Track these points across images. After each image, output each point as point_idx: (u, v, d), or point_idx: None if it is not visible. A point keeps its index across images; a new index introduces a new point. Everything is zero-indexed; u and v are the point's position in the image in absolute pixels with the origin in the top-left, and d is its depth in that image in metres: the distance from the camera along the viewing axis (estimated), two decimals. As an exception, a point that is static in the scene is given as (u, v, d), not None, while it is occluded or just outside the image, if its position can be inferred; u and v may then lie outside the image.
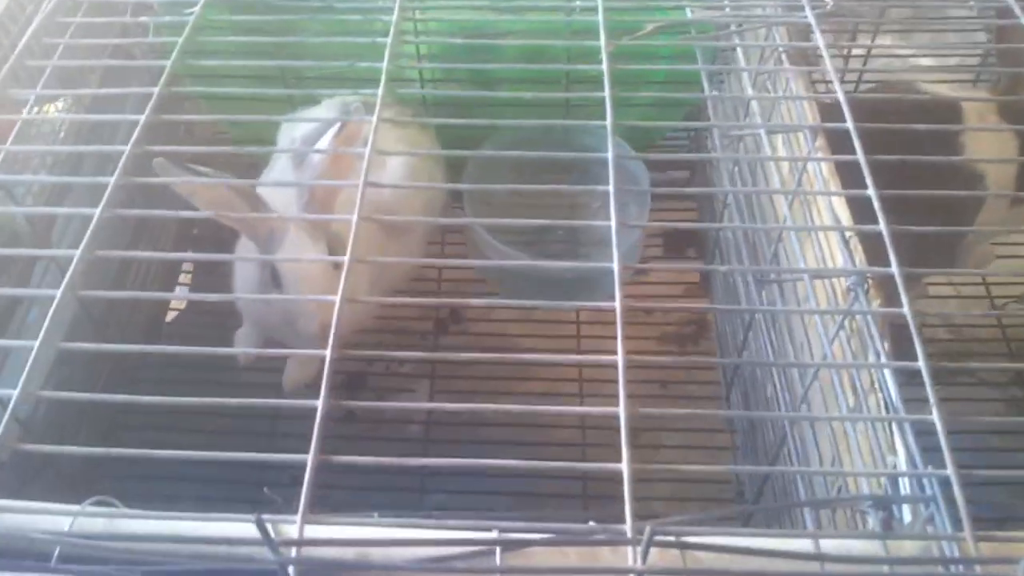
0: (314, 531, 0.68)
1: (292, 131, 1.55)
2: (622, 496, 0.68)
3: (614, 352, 0.78)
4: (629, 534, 0.66)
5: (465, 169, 1.62)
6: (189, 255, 1.73)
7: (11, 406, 0.74)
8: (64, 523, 0.71)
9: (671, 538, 0.65)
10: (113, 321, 1.53)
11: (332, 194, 1.29)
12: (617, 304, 0.83)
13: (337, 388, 1.67)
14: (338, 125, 1.20)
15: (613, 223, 0.87)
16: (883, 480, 0.82)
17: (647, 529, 0.60)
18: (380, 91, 1.03)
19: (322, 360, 0.79)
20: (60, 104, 1.60)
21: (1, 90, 1.03)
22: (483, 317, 1.81)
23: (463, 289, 1.82)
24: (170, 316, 1.79)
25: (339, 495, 0.88)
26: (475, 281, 1.83)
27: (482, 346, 1.74)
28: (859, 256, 0.96)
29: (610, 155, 0.94)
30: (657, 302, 1.86)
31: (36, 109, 1.17)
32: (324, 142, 1.27)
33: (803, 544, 0.70)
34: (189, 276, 1.85)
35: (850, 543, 0.70)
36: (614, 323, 0.80)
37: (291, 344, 1.51)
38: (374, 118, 0.99)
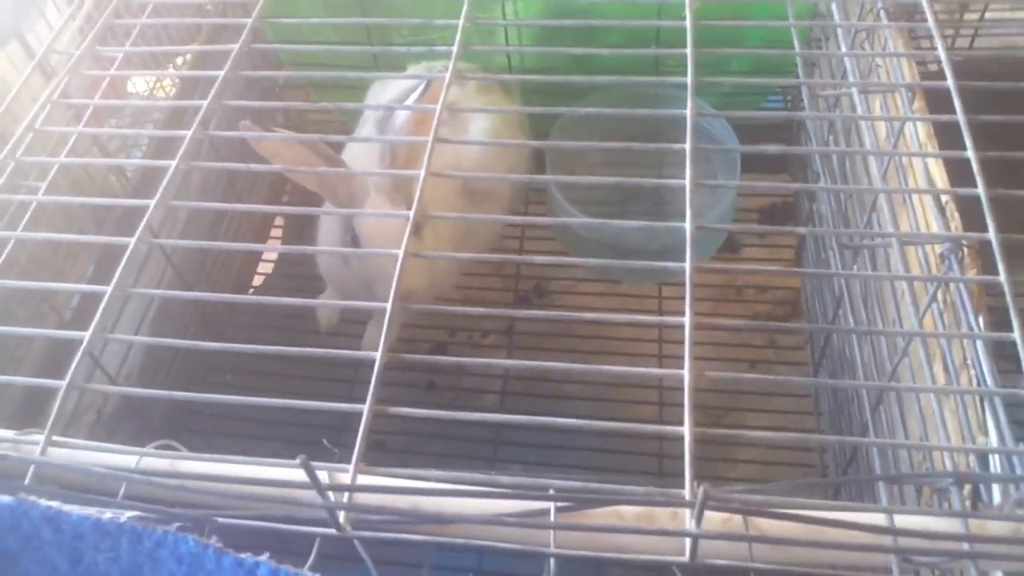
0: (367, 481, 0.68)
1: (378, 97, 1.56)
2: (699, 475, 0.65)
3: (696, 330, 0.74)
4: (687, 497, 0.63)
5: (551, 135, 1.60)
6: (274, 208, 1.74)
7: (83, 345, 0.76)
8: (130, 462, 0.73)
9: (731, 504, 0.62)
10: (202, 282, 1.57)
11: (413, 156, 1.29)
12: (687, 265, 0.80)
13: (421, 353, 1.69)
14: (423, 85, 1.20)
15: (688, 182, 0.84)
16: (971, 459, 0.77)
17: (701, 489, 0.57)
18: (455, 47, 1.01)
19: (400, 326, 0.79)
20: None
21: (91, 49, 1.06)
22: (567, 291, 1.78)
23: (546, 272, 1.79)
24: (256, 280, 1.82)
25: (414, 461, 0.87)
26: (560, 266, 1.79)
27: (562, 329, 1.70)
28: (955, 224, 0.90)
29: (688, 112, 0.90)
30: (747, 284, 1.80)
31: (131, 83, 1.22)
32: (403, 117, 1.27)
33: (875, 518, 0.66)
34: (281, 231, 1.88)
35: (928, 520, 0.65)
36: (701, 297, 0.77)
37: (372, 309, 1.53)
38: (447, 74, 0.98)
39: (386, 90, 1.54)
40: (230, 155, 1.51)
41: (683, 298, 0.77)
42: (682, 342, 0.74)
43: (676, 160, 0.90)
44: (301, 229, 1.68)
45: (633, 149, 0.92)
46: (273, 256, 1.84)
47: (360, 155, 1.42)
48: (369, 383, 0.74)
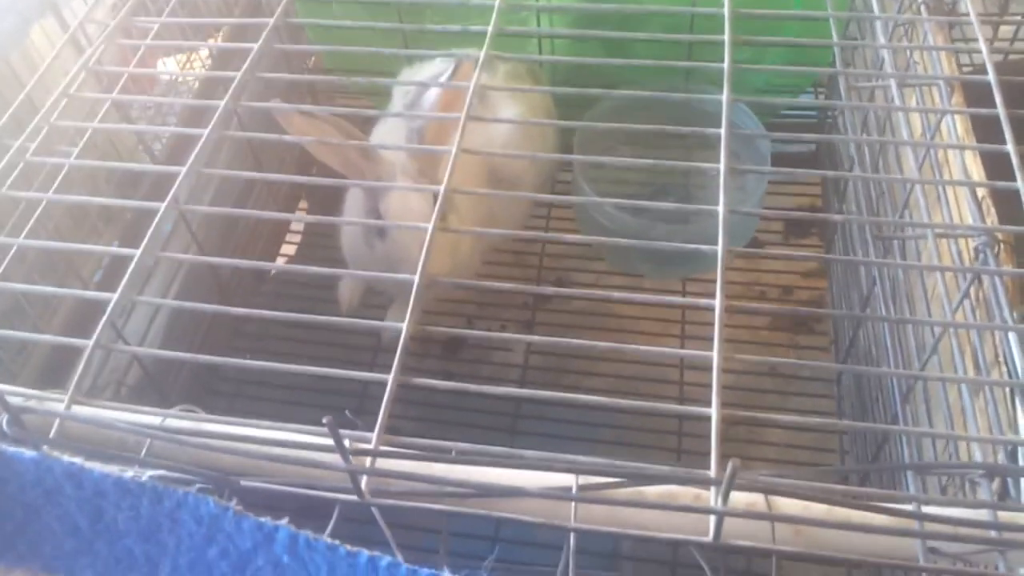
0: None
1: (408, 86, 1.56)
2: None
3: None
4: (712, 475, 0.63)
5: (577, 129, 1.59)
6: (302, 178, 1.74)
7: (109, 309, 0.76)
8: (154, 422, 0.73)
9: (756, 484, 0.62)
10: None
11: (442, 139, 1.29)
12: (720, 248, 0.79)
13: (434, 356, 1.69)
14: (452, 66, 1.19)
15: (723, 166, 0.83)
16: (1000, 456, 0.76)
17: (730, 464, 0.56)
18: (482, 53, 1.01)
19: (421, 313, 0.79)
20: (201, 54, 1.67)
21: (126, 20, 1.06)
22: (591, 284, 1.76)
23: (567, 264, 1.78)
24: (279, 261, 1.83)
25: (423, 430, 0.86)
26: (581, 257, 1.79)
27: (583, 322, 1.70)
28: (991, 219, 0.89)
29: (723, 131, 0.89)
30: (772, 287, 1.78)
31: (163, 62, 1.22)
32: (432, 93, 1.27)
33: (902, 504, 0.65)
34: (301, 227, 1.89)
35: (957, 510, 0.64)
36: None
37: (393, 293, 1.53)
38: (472, 83, 0.97)
39: (416, 74, 1.54)
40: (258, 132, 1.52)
41: (706, 295, 0.76)
42: (704, 335, 0.73)
43: (705, 159, 0.89)
44: (326, 213, 1.69)
45: (666, 132, 0.92)
46: (296, 239, 1.85)
47: (387, 139, 1.42)
48: (388, 363, 0.73)
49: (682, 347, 1.57)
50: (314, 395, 1.51)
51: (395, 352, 0.74)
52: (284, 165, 1.74)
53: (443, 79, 1.22)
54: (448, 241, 1.35)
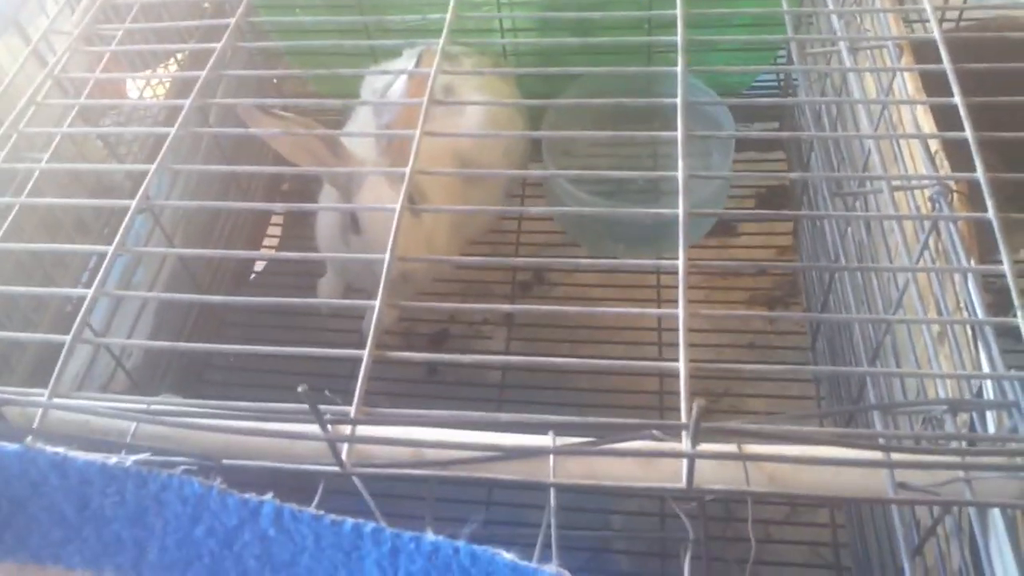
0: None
1: (374, 84, 1.58)
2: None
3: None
4: (683, 422, 0.64)
5: (544, 119, 1.62)
6: (277, 168, 1.76)
7: (84, 308, 0.77)
8: (137, 408, 0.74)
9: (726, 429, 0.63)
10: (203, 266, 1.58)
11: (407, 140, 1.30)
12: (680, 212, 0.81)
13: (418, 350, 1.71)
14: (415, 57, 1.21)
15: (680, 173, 0.85)
16: (965, 393, 0.78)
17: (694, 407, 0.58)
18: (441, 40, 1.02)
19: (398, 307, 0.80)
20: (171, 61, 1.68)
21: (91, 27, 1.07)
22: (565, 280, 1.79)
23: (543, 252, 1.80)
24: (259, 265, 1.84)
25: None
26: (558, 245, 1.81)
27: (564, 299, 1.72)
28: (944, 170, 0.91)
29: (679, 99, 0.91)
30: (745, 263, 1.81)
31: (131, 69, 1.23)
32: (398, 90, 1.29)
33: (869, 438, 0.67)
34: (279, 229, 1.90)
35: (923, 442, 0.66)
36: (698, 285, 0.78)
37: (372, 290, 1.54)
38: (432, 69, 0.98)
39: (380, 77, 1.56)
40: (228, 144, 1.53)
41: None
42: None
43: (671, 128, 0.91)
44: (299, 225, 1.71)
45: (624, 104, 0.94)
46: (274, 243, 1.86)
47: (358, 141, 1.44)
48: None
49: (659, 322, 1.60)
50: (301, 374, 1.53)
51: (354, 301, 0.75)
52: (256, 177, 1.75)
53: (402, 85, 1.24)
54: (423, 233, 1.36)
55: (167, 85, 1.67)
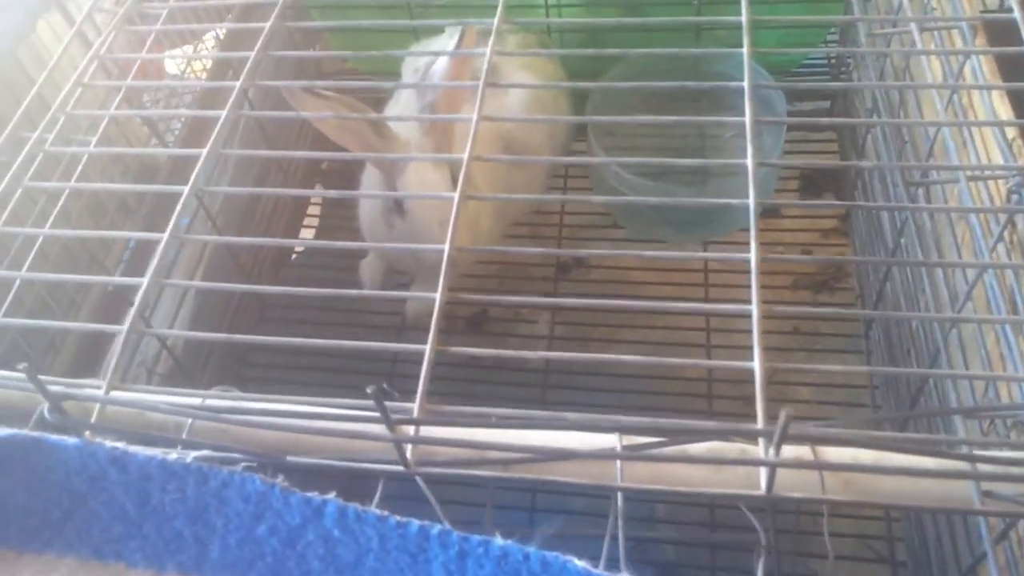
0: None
1: (416, 62, 1.55)
2: (750, 415, 0.63)
3: (743, 300, 0.72)
4: (760, 427, 0.62)
5: (590, 97, 1.58)
6: (321, 154, 1.73)
7: (141, 292, 0.76)
8: (193, 403, 0.73)
9: (808, 435, 0.61)
10: (244, 248, 1.57)
11: (453, 109, 1.28)
12: (751, 202, 0.79)
13: (458, 333, 1.69)
14: (458, 33, 1.18)
15: (750, 160, 0.82)
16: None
17: (783, 414, 0.56)
18: (496, 19, 0.99)
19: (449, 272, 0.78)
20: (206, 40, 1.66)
21: (122, 28, 1.05)
22: (606, 262, 1.75)
23: (585, 233, 1.78)
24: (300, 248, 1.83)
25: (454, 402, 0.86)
26: (600, 226, 1.78)
27: (604, 291, 1.69)
28: (1023, 159, 0.87)
29: (746, 83, 0.88)
30: (791, 246, 1.77)
31: (171, 48, 1.21)
32: (440, 68, 1.26)
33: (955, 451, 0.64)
34: (319, 208, 1.88)
35: (1009, 455, 0.64)
36: (745, 269, 0.75)
37: (413, 272, 1.52)
38: (488, 50, 0.95)
39: (425, 49, 1.53)
40: (269, 124, 1.51)
41: (727, 271, 0.75)
42: (727, 297, 0.72)
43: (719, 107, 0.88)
44: (340, 204, 1.68)
45: (687, 88, 0.90)
46: (314, 224, 1.85)
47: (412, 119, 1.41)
48: (414, 340, 0.73)
49: (708, 324, 1.57)
50: (342, 376, 1.52)
51: (420, 329, 0.73)
52: (297, 150, 1.73)
53: (445, 64, 1.22)
54: (468, 216, 1.34)
55: (206, 64, 1.65)
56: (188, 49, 1.63)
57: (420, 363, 0.70)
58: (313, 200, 1.87)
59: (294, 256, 1.80)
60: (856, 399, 1.43)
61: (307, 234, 1.83)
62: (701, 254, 0.76)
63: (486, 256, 1.60)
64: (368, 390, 0.60)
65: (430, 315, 1.65)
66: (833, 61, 1.73)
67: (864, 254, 1.47)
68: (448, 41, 1.52)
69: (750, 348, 0.67)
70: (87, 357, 1.28)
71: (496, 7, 1.00)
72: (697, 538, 1.25)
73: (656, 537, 1.14)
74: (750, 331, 0.68)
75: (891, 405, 1.30)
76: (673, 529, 1.31)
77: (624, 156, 1.58)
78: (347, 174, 1.71)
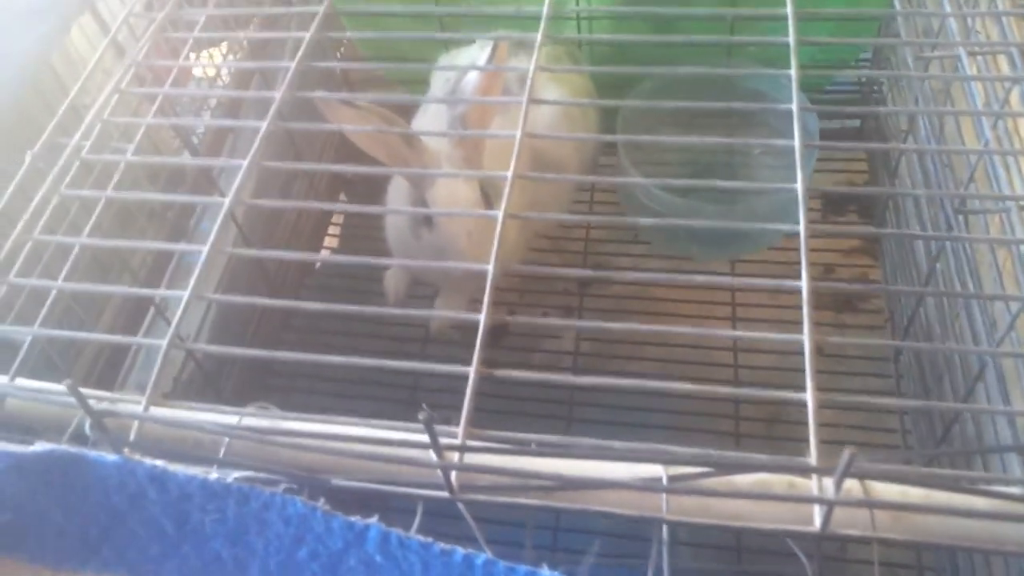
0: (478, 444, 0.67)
1: (447, 73, 1.54)
2: (775, 436, 0.63)
3: (770, 320, 0.71)
4: (814, 463, 0.61)
5: (620, 112, 1.57)
6: (347, 167, 1.75)
7: (183, 305, 0.75)
8: (231, 421, 0.72)
9: (868, 472, 0.60)
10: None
11: (484, 122, 1.27)
12: (801, 228, 0.78)
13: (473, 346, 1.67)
14: (489, 47, 1.18)
15: (800, 184, 0.81)
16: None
17: (846, 454, 0.54)
18: (539, 33, 0.98)
19: (468, 302, 0.77)
20: (224, 48, 1.65)
21: (173, 11, 1.05)
22: (635, 270, 1.74)
23: (610, 248, 1.76)
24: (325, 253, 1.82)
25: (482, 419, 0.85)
26: (624, 241, 1.77)
27: (626, 307, 1.67)
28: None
29: (795, 107, 0.87)
30: (813, 265, 1.75)
31: (195, 55, 1.20)
32: (471, 81, 1.25)
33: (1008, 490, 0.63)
34: (342, 216, 1.88)
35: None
36: (768, 291, 0.74)
37: (439, 284, 1.51)
38: (531, 66, 0.94)
39: (454, 60, 1.52)
40: (298, 133, 1.51)
41: (752, 291, 0.74)
42: (754, 317, 0.72)
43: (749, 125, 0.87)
44: (363, 214, 1.68)
45: (731, 110, 0.89)
46: (336, 232, 1.84)
47: (429, 126, 1.40)
48: (437, 353, 0.72)
49: (734, 330, 1.55)
50: (365, 387, 1.51)
51: (442, 343, 0.72)
52: (323, 158, 1.73)
53: (481, 62, 1.21)
54: (495, 229, 1.33)
55: (228, 71, 1.65)
56: (215, 56, 1.62)
57: (444, 376, 0.70)
58: (335, 220, 1.87)
59: (318, 264, 1.79)
60: (884, 423, 1.41)
61: (332, 242, 1.82)
62: (748, 280, 0.75)
63: (509, 268, 1.58)
64: (420, 416, 0.59)
65: (453, 328, 1.63)
66: (864, 83, 1.72)
67: (896, 276, 1.45)
68: (479, 53, 1.51)
69: (777, 370, 0.66)
70: (109, 362, 1.28)
71: (527, 21, 0.99)
72: (744, 570, 1.23)
73: (700, 568, 1.12)
74: (778, 352, 0.67)
75: (921, 432, 1.28)
76: (695, 552, 1.29)
77: (653, 169, 1.56)
78: (372, 183, 1.70)
